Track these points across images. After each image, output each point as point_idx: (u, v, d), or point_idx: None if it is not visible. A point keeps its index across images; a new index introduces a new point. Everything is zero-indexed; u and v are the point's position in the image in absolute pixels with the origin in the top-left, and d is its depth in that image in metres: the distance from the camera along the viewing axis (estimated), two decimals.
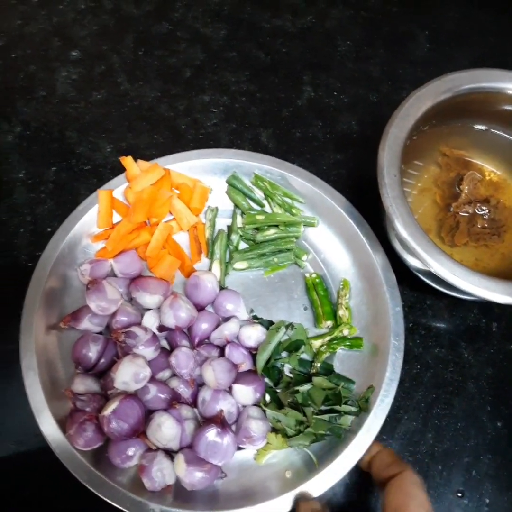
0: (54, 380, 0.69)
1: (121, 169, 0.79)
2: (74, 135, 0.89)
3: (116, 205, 0.78)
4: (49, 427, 0.64)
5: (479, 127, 0.78)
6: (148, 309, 0.73)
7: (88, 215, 0.76)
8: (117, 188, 0.78)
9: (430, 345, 0.77)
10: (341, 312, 0.74)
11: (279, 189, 0.80)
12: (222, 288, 0.77)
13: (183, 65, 0.96)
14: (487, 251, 0.74)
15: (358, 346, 0.73)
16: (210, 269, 0.78)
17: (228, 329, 0.71)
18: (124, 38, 0.98)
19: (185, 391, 0.68)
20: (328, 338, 0.73)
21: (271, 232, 0.78)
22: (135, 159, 0.80)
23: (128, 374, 0.64)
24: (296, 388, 0.67)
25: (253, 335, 0.71)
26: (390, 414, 0.71)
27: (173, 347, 0.72)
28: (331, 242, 0.79)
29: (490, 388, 0.75)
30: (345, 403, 0.66)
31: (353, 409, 0.66)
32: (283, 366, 0.73)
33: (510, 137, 0.78)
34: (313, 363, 0.72)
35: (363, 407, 0.66)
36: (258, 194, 0.82)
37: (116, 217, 0.79)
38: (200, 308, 0.73)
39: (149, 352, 0.68)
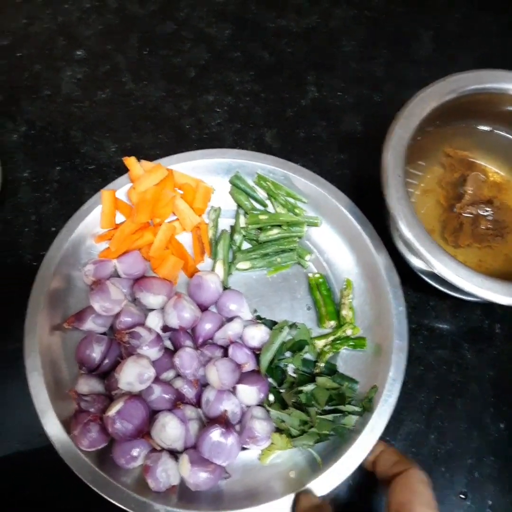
0: (58, 381, 0.69)
1: (125, 169, 0.79)
2: (79, 135, 0.89)
3: (120, 205, 0.78)
4: (53, 428, 0.64)
5: (483, 128, 0.78)
6: (152, 310, 0.72)
7: (91, 216, 0.76)
8: (120, 188, 0.78)
9: (433, 346, 0.77)
10: (344, 312, 0.74)
11: (282, 189, 0.80)
12: (225, 288, 0.77)
13: (188, 65, 0.95)
14: (491, 252, 0.74)
15: (362, 346, 0.72)
16: (213, 269, 0.78)
17: (232, 329, 0.71)
18: (129, 38, 0.98)
19: (189, 392, 0.68)
20: (331, 338, 0.73)
21: (274, 232, 0.78)
22: (139, 159, 0.79)
23: (133, 375, 0.63)
24: (300, 388, 0.67)
25: (257, 335, 0.71)
26: (393, 415, 0.71)
27: (176, 347, 0.71)
28: (334, 242, 0.79)
29: (493, 389, 0.75)
30: (349, 403, 0.66)
31: (357, 409, 0.66)
32: (286, 366, 0.72)
33: None
34: (316, 363, 0.71)
35: (367, 407, 0.66)
36: (261, 194, 0.81)
37: (120, 218, 0.78)
38: (203, 308, 0.73)
39: (153, 352, 0.67)
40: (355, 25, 1.01)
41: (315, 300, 0.76)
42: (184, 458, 0.62)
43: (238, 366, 0.68)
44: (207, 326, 0.71)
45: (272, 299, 0.77)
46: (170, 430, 0.63)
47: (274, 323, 0.74)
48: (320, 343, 0.73)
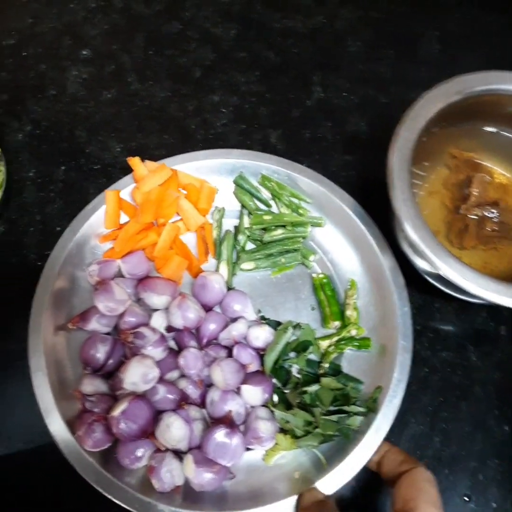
0: (62, 381, 0.69)
1: (130, 169, 0.79)
2: (84, 135, 0.89)
3: (124, 205, 0.78)
4: (57, 428, 0.64)
5: (489, 129, 0.77)
6: (156, 310, 0.73)
7: (95, 216, 0.76)
8: (125, 188, 0.78)
9: (438, 348, 0.77)
10: (349, 313, 0.74)
11: (286, 189, 0.80)
12: (229, 288, 0.77)
13: (193, 65, 0.96)
14: (496, 254, 0.74)
15: (366, 346, 0.72)
16: (217, 269, 0.78)
17: (236, 330, 0.71)
18: (135, 38, 0.98)
19: (193, 392, 0.68)
20: (336, 338, 0.73)
21: (278, 233, 0.78)
22: (144, 159, 0.79)
23: (137, 375, 0.64)
24: (304, 388, 0.67)
25: (261, 335, 0.71)
26: (397, 417, 0.71)
27: (181, 347, 0.71)
28: (338, 242, 0.79)
29: (498, 392, 0.75)
30: (354, 404, 0.66)
31: (362, 409, 0.66)
32: (291, 366, 0.72)
33: None
34: (321, 364, 0.71)
35: (372, 408, 0.66)
36: (265, 194, 0.81)
37: (124, 218, 0.79)
38: (207, 308, 0.73)
39: (158, 352, 0.68)
40: (360, 25, 1.01)
41: (319, 301, 0.76)
42: (189, 459, 0.62)
43: (243, 366, 0.68)
44: (211, 327, 0.71)
45: (276, 299, 0.77)
46: (175, 430, 0.63)
47: (278, 323, 0.74)
48: (324, 344, 0.73)
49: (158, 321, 0.71)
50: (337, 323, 0.74)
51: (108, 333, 0.72)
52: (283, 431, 0.67)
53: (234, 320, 0.73)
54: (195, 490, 0.63)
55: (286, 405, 0.68)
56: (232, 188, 0.82)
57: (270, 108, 0.92)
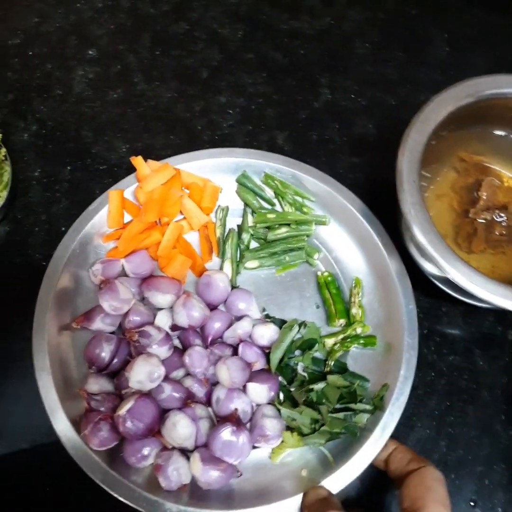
0: (67, 380, 0.70)
1: (136, 169, 0.80)
2: (90, 135, 0.91)
3: (127, 205, 0.80)
4: (63, 427, 0.65)
5: (498, 132, 0.78)
6: (160, 309, 0.74)
7: (99, 215, 0.78)
8: (128, 188, 0.80)
9: (444, 352, 0.78)
10: (354, 310, 0.76)
11: (290, 187, 0.82)
12: (234, 287, 0.78)
13: (200, 66, 0.97)
14: (504, 258, 0.75)
15: (372, 344, 0.74)
16: (221, 268, 0.79)
17: (241, 328, 0.72)
18: (141, 38, 1.00)
19: (199, 390, 0.69)
20: (341, 336, 0.74)
21: (282, 231, 0.80)
22: (150, 160, 0.81)
23: (143, 373, 0.65)
24: (311, 386, 0.68)
25: (266, 334, 0.73)
26: (403, 421, 0.72)
27: (186, 346, 0.73)
28: (342, 241, 0.81)
29: (505, 396, 0.76)
30: (360, 401, 0.67)
31: (368, 407, 0.67)
32: (296, 364, 0.74)
33: None
34: (326, 362, 0.73)
35: (378, 405, 0.67)
36: (269, 193, 0.83)
37: (127, 217, 0.80)
38: (212, 307, 0.75)
39: (163, 351, 0.69)
40: (368, 27, 1.03)
41: (324, 299, 0.78)
42: (196, 457, 0.63)
43: (248, 364, 0.69)
44: (216, 325, 0.73)
45: (281, 297, 0.79)
46: (181, 428, 0.64)
47: (283, 321, 0.75)
48: (330, 342, 0.74)
49: (163, 320, 0.73)
50: (342, 321, 0.76)
51: (112, 332, 0.73)
52: (289, 429, 0.68)
53: (239, 318, 0.75)
54: (202, 488, 0.64)
55: (292, 403, 0.70)
56: (235, 187, 0.83)
57: (277, 110, 0.94)
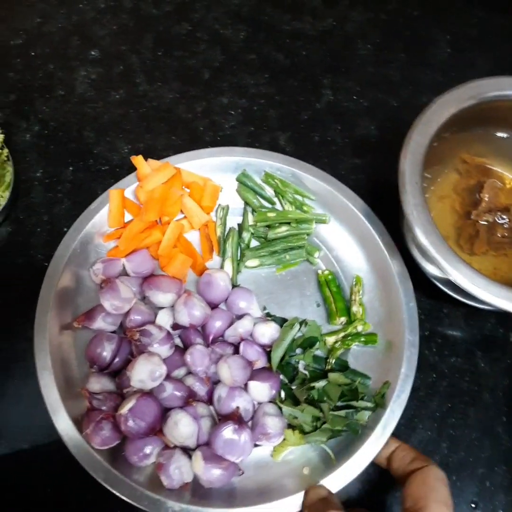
0: (69, 380, 0.71)
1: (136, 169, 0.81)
2: (92, 135, 0.92)
3: (127, 204, 0.81)
4: (65, 426, 0.66)
5: (500, 134, 0.79)
6: (161, 308, 0.75)
7: (99, 215, 0.79)
8: (128, 187, 0.81)
9: (446, 354, 0.79)
10: (354, 308, 0.77)
11: (290, 186, 0.83)
12: (234, 286, 0.79)
13: (202, 67, 0.99)
14: (506, 260, 0.75)
15: (373, 342, 0.75)
16: (222, 267, 0.80)
17: (242, 327, 0.73)
18: (143, 38, 1.01)
19: (200, 389, 0.70)
20: (342, 334, 0.75)
21: (283, 230, 0.81)
22: (150, 159, 0.82)
23: (144, 372, 0.66)
24: (312, 384, 0.69)
25: (267, 332, 0.73)
26: (405, 423, 0.73)
27: (187, 345, 0.74)
28: (343, 239, 0.82)
29: (506, 399, 0.77)
30: (361, 399, 0.68)
31: (370, 405, 0.68)
32: (297, 363, 0.75)
33: None
34: (327, 360, 0.74)
35: (380, 403, 0.68)
36: (269, 191, 0.84)
37: (127, 217, 0.81)
38: (213, 306, 0.76)
39: (164, 350, 0.70)
40: (370, 28, 1.04)
41: (325, 297, 0.78)
42: (197, 455, 0.64)
43: (249, 363, 0.70)
44: (217, 324, 0.73)
45: (282, 296, 0.80)
46: (183, 427, 0.65)
47: (284, 320, 0.76)
48: (330, 340, 0.75)
49: (164, 319, 0.74)
50: (343, 319, 0.77)
51: (114, 332, 0.74)
52: (291, 427, 0.69)
53: (239, 317, 0.76)
54: (204, 486, 0.65)
55: (294, 401, 0.71)
56: (235, 186, 0.84)
57: (279, 111, 0.95)
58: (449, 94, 0.71)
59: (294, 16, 1.04)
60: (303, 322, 0.75)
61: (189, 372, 0.72)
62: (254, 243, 0.83)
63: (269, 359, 0.72)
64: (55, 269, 0.74)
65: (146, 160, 0.81)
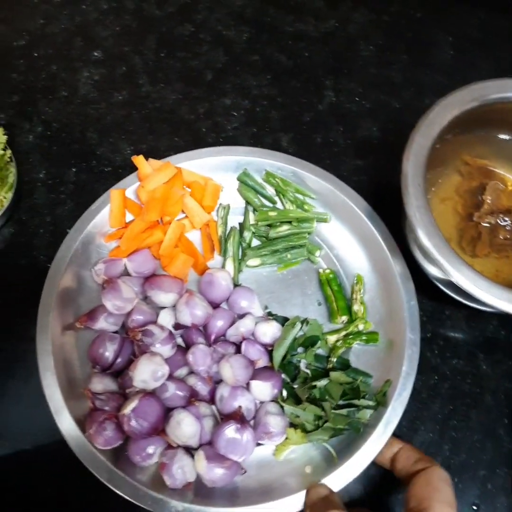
0: (72, 380, 0.71)
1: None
2: (95, 136, 0.93)
3: (129, 204, 0.81)
4: (68, 427, 0.67)
5: (503, 136, 0.80)
6: (163, 308, 0.75)
7: (101, 215, 0.79)
8: (129, 187, 0.82)
9: (448, 356, 0.79)
10: (356, 307, 0.77)
11: (291, 185, 0.83)
12: (236, 285, 0.80)
13: (205, 68, 0.99)
14: (508, 262, 0.76)
15: (374, 340, 0.75)
16: (223, 266, 0.81)
17: (244, 326, 0.74)
18: (146, 40, 1.02)
19: (203, 388, 0.71)
20: (343, 333, 0.76)
21: (284, 229, 0.81)
22: (151, 158, 0.82)
23: (147, 372, 0.66)
24: (314, 383, 0.70)
25: (269, 331, 0.74)
26: (407, 425, 0.74)
27: (188, 344, 0.74)
28: (344, 238, 0.82)
29: (508, 401, 0.77)
30: (363, 398, 0.69)
31: (371, 403, 0.68)
32: (299, 361, 0.75)
33: None
34: (329, 358, 0.74)
35: (381, 401, 0.69)
36: (270, 190, 0.85)
37: (129, 217, 0.82)
38: (214, 305, 0.76)
39: (166, 350, 0.70)
40: (373, 29, 1.05)
41: (326, 296, 0.79)
42: (200, 455, 0.65)
43: (251, 362, 0.71)
44: (219, 323, 0.74)
45: (283, 295, 0.80)
46: (185, 427, 0.65)
47: (286, 319, 0.77)
48: (332, 339, 0.75)
49: (166, 319, 0.74)
50: (344, 318, 0.77)
51: (116, 332, 0.75)
52: (293, 425, 0.70)
53: (241, 316, 0.76)
54: (207, 486, 0.65)
55: (296, 400, 0.71)
56: (236, 185, 0.85)
57: (282, 112, 0.96)
58: (452, 96, 0.72)
59: (297, 18, 1.05)
60: (305, 321, 0.75)
61: (191, 372, 0.72)
62: (255, 242, 0.84)
63: (270, 358, 0.73)
64: (57, 269, 0.75)
65: (146, 159, 0.82)
